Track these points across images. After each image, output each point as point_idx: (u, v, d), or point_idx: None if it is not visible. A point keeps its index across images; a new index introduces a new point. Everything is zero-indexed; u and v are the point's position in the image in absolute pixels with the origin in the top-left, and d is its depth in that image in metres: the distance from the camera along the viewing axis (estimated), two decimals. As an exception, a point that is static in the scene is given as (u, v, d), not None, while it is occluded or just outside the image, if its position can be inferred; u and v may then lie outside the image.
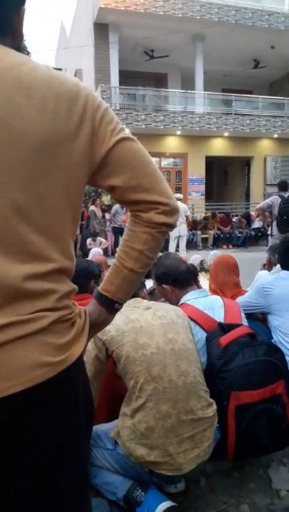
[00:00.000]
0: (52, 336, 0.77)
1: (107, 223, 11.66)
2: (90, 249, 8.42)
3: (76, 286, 0.88)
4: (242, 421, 1.64)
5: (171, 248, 10.46)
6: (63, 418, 0.80)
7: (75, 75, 17.35)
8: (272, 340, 2.17)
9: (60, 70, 17.76)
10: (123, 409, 1.51)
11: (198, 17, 13.88)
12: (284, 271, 2.32)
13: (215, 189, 19.07)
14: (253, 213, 13.89)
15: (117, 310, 1.04)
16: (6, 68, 0.77)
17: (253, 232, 13.23)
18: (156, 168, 0.96)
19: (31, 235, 0.77)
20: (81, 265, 2.28)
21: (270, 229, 6.23)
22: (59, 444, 0.79)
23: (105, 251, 10.16)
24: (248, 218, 13.37)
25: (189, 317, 1.89)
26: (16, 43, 0.88)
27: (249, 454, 1.74)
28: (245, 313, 2.37)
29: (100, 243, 10.60)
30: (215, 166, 18.67)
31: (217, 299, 2.15)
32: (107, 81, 13.96)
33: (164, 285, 2.15)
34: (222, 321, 1.96)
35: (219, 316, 2.00)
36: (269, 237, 6.18)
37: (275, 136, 15.68)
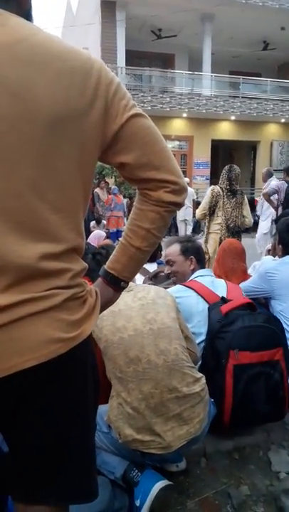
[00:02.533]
0: (65, 313, 0.77)
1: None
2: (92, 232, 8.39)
3: (86, 264, 0.88)
4: (239, 381, 1.67)
5: (181, 231, 10.44)
6: (74, 392, 0.81)
7: (81, 54, 17.03)
8: (276, 326, 2.18)
9: (66, 48, 17.61)
10: (111, 391, 1.53)
11: (208, -5, 13.52)
12: (288, 255, 2.31)
13: (220, 173, 18.84)
14: (257, 199, 13.81)
15: (123, 288, 1.04)
16: (19, 38, 0.73)
17: (257, 218, 13.14)
18: (167, 146, 0.95)
19: (48, 213, 0.76)
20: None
21: (275, 214, 6.18)
22: (69, 416, 0.81)
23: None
24: (252, 203, 13.26)
25: (194, 290, 1.99)
26: (22, 9, 0.83)
27: (246, 419, 1.76)
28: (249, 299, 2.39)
29: (103, 227, 10.56)
30: (221, 150, 18.44)
31: (220, 281, 2.21)
32: (113, 61, 13.70)
33: (192, 257, 2.25)
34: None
35: (221, 294, 2.04)
36: (274, 223, 6.12)
37: (283, 120, 15.45)
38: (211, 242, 4.50)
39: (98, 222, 10.44)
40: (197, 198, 13.56)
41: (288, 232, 2.38)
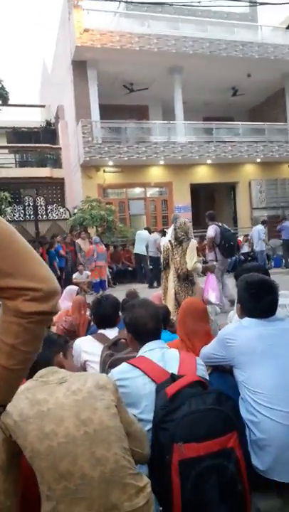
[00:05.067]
0: None
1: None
2: (75, 284, 8.20)
3: None
4: (187, 479, 1.43)
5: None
6: None
7: (57, 111, 17.62)
8: (240, 397, 1.97)
9: (44, 106, 18.07)
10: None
11: (174, 50, 14.19)
12: (246, 318, 2.11)
13: (202, 215, 19.06)
14: (240, 238, 13.85)
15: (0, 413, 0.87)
16: None
17: (242, 257, 13.13)
18: (24, 248, 0.81)
19: None
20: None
21: (212, 255, 6.92)
22: None
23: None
24: (236, 243, 13.26)
25: (140, 369, 1.77)
26: None
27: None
28: (211, 366, 2.21)
29: (87, 276, 10.42)
30: (201, 193, 18.74)
31: (173, 352, 1.99)
32: (87, 116, 14.11)
33: (127, 332, 2.05)
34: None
35: (172, 369, 1.84)
36: (215, 262, 6.57)
37: (258, 160, 15.84)
38: (168, 297, 4.62)
39: (81, 273, 10.31)
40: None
41: (247, 291, 2.18)
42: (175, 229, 4.57)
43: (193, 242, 4.62)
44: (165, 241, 4.73)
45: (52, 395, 1.39)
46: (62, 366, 1.63)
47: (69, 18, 13.88)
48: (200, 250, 12.85)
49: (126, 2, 11.94)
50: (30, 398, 1.38)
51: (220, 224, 7.11)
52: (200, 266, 4.61)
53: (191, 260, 4.46)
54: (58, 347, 1.73)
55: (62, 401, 1.38)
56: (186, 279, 4.50)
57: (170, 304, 4.52)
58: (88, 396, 1.40)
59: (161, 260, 4.69)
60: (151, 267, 11.26)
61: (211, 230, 6.96)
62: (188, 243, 4.55)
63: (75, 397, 1.39)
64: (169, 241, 4.61)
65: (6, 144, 18.21)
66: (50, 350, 1.59)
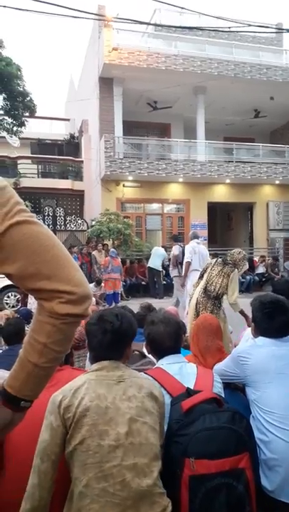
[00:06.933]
0: None
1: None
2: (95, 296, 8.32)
3: None
4: (196, 495, 1.44)
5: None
6: None
7: (82, 125, 18.01)
8: (251, 416, 2.00)
9: (68, 120, 18.41)
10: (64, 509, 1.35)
11: (199, 71, 14.45)
12: (260, 337, 2.16)
13: (218, 234, 19.12)
14: (256, 259, 13.81)
15: (26, 408, 0.92)
16: None
17: (257, 278, 13.08)
18: (62, 252, 0.87)
19: None
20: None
21: (176, 271, 8.49)
22: None
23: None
24: (251, 263, 13.25)
25: (158, 381, 1.80)
26: None
27: None
28: (224, 382, 2.23)
29: (101, 288, 10.49)
30: (218, 212, 18.82)
31: (191, 367, 2.03)
32: (111, 131, 14.40)
33: (145, 344, 2.10)
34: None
35: (189, 383, 1.88)
36: (178, 278, 8.11)
37: (277, 182, 15.85)
38: (191, 306, 4.75)
39: (98, 284, 10.40)
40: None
41: (261, 311, 2.23)
42: (230, 253, 4.68)
43: (236, 273, 4.60)
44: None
45: (110, 392, 1.44)
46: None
47: (99, 36, 14.30)
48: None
49: (155, 25, 12.25)
50: (91, 390, 1.43)
51: (182, 244, 8.64)
52: (240, 305, 4.56)
53: (233, 293, 4.46)
54: None
55: (119, 405, 1.43)
56: (216, 298, 4.52)
57: (190, 312, 4.63)
58: (141, 406, 1.46)
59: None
60: (164, 282, 11.44)
61: (176, 250, 8.24)
62: (232, 271, 4.54)
63: (129, 404, 1.44)
64: (215, 256, 4.74)
65: (30, 155, 18.64)
66: None
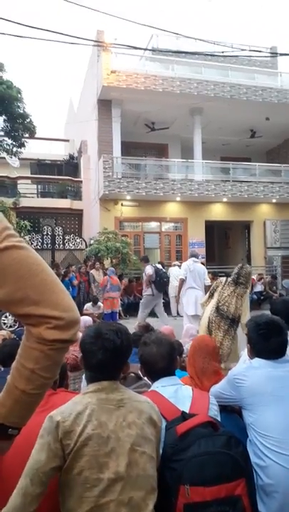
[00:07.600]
0: None
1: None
2: (85, 315, 8.20)
3: None
4: None
5: (173, 308, 10.93)
6: None
7: (80, 146, 18.24)
8: (248, 440, 1.96)
9: (68, 141, 18.71)
10: None
11: (196, 93, 14.72)
12: (256, 358, 2.14)
13: (216, 252, 19.16)
14: (254, 277, 13.80)
15: (13, 436, 0.90)
16: None
17: (255, 296, 13.04)
18: (50, 277, 0.87)
19: None
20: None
21: (149, 290, 8.62)
22: None
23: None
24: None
25: None
26: None
27: None
28: (220, 405, 2.20)
29: (99, 308, 10.43)
30: (216, 230, 18.91)
31: (186, 389, 2.00)
32: (109, 151, 14.59)
33: (140, 366, 2.08)
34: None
35: (184, 407, 1.85)
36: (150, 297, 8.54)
37: (274, 200, 15.98)
38: (202, 325, 4.63)
39: (95, 303, 10.33)
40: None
41: (256, 332, 2.22)
42: (239, 271, 4.56)
43: (248, 293, 4.55)
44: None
45: (111, 420, 1.40)
46: None
47: (98, 60, 14.61)
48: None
49: (152, 50, 12.52)
50: (94, 418, 1.38)
51: (154, 264, 9.01)
52: None
53: (246, 314, 4.37)
54: None
55: (119, 434, 1.39)
56: (232, 320, 4.40)
57: (201, 332, 4.55)
58: (140, 434, 1.43)
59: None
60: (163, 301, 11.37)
61: (150, 269, 8.46)
62: (244, 292, 4.47)
63: (129, 432, 1.41)
64: (225, 276, 4.77)
65: (29, 175, 18.82)
66: None
